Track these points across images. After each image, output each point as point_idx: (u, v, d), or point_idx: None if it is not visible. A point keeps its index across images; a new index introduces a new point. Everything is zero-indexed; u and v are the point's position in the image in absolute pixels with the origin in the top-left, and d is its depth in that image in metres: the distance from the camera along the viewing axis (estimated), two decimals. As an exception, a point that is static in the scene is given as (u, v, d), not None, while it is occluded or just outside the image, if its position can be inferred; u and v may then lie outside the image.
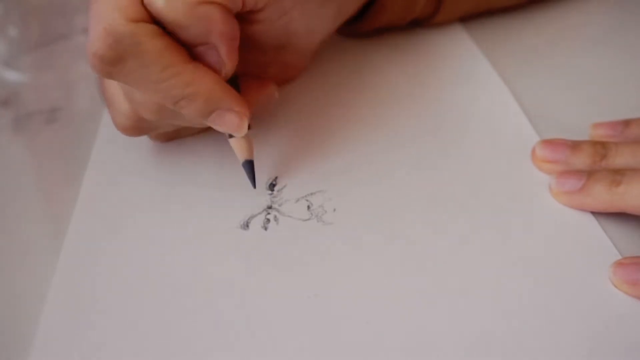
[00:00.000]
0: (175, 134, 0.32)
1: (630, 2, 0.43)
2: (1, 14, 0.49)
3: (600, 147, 0.29)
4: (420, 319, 0.23)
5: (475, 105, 0.34)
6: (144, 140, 0.32)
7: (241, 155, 0.28)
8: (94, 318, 0.24)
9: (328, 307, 0.24)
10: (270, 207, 0.28)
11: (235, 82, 0.27)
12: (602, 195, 0.27)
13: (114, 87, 0.28)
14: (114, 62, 0.24)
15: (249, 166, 0.28)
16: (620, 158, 0.28)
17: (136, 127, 0.28)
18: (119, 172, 0.30)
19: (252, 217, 0.28)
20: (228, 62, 0.26)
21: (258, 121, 0.32)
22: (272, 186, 0.29)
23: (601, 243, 0.26)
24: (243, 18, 0.28)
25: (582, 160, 0.29)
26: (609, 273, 0.25)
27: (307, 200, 0.29)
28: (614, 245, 0.26)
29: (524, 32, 0.40)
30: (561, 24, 0.41)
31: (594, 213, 0.27)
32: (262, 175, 0.30)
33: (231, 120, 0.26)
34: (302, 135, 0.32)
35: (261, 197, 0.29)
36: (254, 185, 0.29)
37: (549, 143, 0.30)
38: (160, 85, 0.24)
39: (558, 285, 0.24)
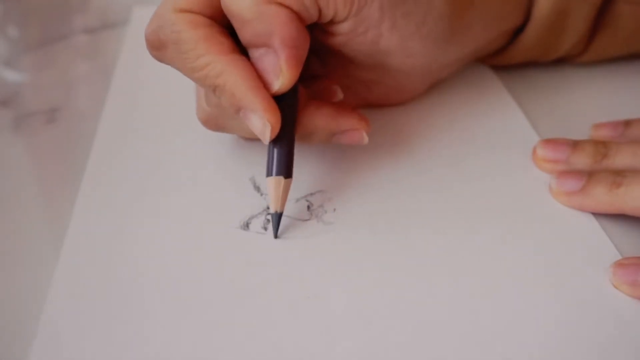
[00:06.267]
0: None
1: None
2: (1, 14, 0.49)
3: (602, 146, 0.29)
4: (420, 319, 0.23)
5: (474, 105, 0.34)
6: (143, 140, 0.32)
7: (274, 206, 0.26)
8: (94, 318, 0.24)
9: (328, 308, 0.24)
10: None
11: (288, 98, 0.26)
12: (602, 196, 0.27)
13: None
14: (157, 46, 0.26)
15: (278, 218, 0.27)
16: (621, 158, 0.28)
17: (209, 120, 0.29)
18: (119, 172, 0.30)
19: (252, 217, 0.28)
20: (287, 72, 0.25)
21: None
22: (272, 186, 0.29)
23: (601, 243, 0.26)
24: (324, 30, 0.27)
25: (583, 159, 0.29)
26: (609, 273, 0.25)
27: (307, 200, 0.29)
28: (614, 245, 0.26)
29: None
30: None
31: (594, 213, 0.27)
32: (263, 176, 0.30)
33: (255, 123, 0.25)
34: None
35: (261, 197, 0.29)
36: (276, 235, 0.27)
37: (550, 142, 0.30)
38: (196, 73, 0.25)
39: (558, 286, 0.24)
